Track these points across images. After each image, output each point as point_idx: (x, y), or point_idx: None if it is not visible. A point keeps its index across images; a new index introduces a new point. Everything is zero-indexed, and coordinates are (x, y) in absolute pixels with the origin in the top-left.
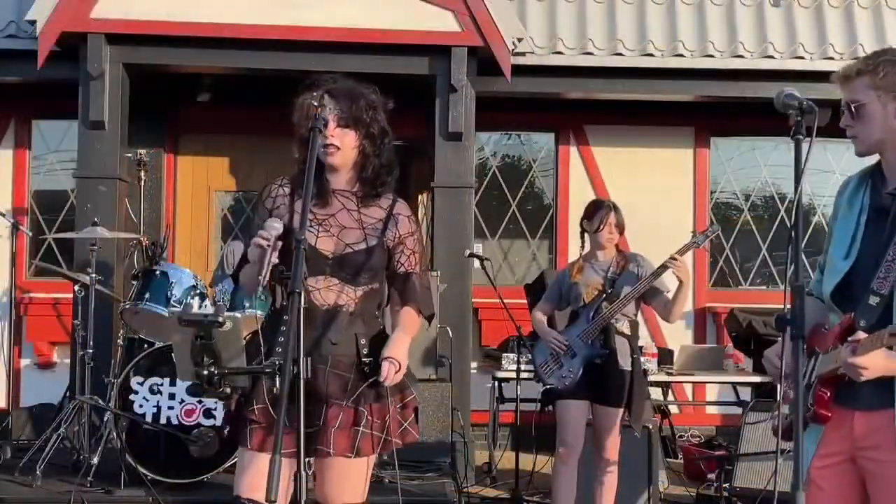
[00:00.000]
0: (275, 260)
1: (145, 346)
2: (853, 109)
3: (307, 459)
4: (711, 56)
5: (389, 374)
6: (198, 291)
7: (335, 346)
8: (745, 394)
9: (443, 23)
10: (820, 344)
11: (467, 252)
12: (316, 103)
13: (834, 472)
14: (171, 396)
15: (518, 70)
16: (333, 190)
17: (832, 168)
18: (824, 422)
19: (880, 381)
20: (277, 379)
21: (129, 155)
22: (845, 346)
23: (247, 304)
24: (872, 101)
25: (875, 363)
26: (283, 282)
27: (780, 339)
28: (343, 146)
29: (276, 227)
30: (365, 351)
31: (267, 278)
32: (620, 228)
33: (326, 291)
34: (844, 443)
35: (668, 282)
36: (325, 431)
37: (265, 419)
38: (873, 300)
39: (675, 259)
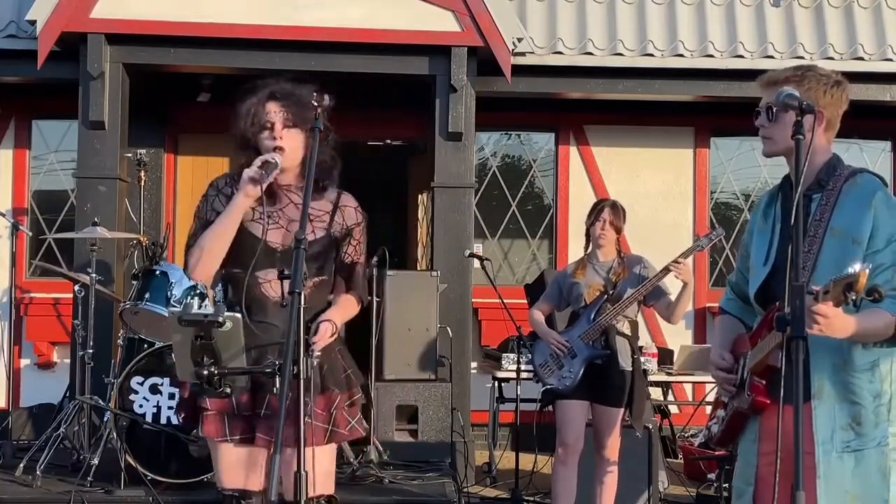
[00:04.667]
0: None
1: (145, 346)
2: (772, 112)
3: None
4: (711, 56)
5: (326, 333)
6: (198, 291)
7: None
8: None
9: (443, 23)
10: (745, 347)
11: (467, 252)
12: (316, 103)
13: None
14: (171, 396)
15: (518, 70)
16: (279, 185)
17: None
18: (763, 409)
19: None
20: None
21: (129, 155)
22: (807, 296)
23: None
24: None
25: (836, 313)
26: (235, 278)
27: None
28: (290, 147)
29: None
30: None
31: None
32: (616, 227)
33: (277, 283)
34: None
35: (671, 285)
36: (270, 420)
37: (216, 407)
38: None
39: (679, 262)
